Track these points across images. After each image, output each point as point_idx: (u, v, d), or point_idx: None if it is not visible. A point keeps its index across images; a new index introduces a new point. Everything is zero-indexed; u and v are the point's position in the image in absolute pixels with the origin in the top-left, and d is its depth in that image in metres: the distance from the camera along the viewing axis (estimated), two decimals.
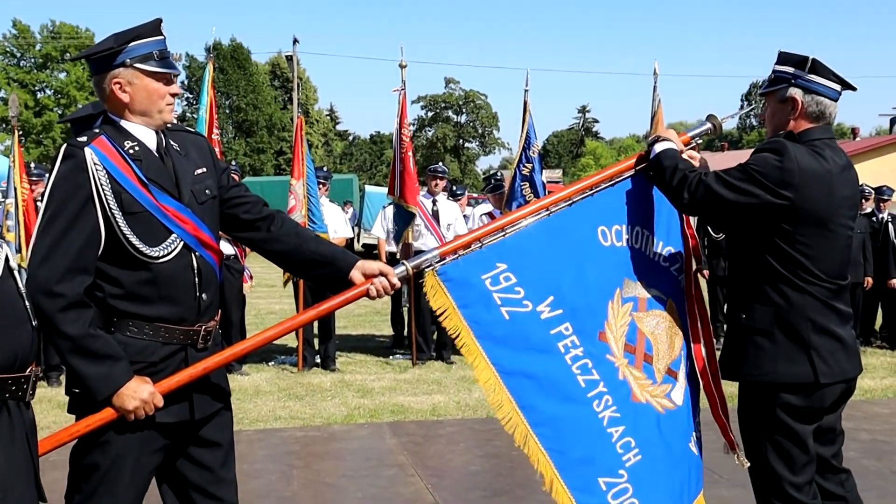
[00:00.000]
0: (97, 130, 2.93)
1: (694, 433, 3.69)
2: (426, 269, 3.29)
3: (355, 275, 3.21)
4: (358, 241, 24.95)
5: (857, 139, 42.79)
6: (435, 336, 10.14)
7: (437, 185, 10.17)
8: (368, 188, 27.85)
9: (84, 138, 2.87)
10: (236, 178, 9.60)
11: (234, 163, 9.67)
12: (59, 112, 50.01)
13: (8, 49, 51.84)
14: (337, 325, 9.88)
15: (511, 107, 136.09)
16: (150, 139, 3.00)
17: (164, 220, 2.91)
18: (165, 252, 2.91)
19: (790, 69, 3.61)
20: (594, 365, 3.39)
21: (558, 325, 3.36)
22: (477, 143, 79.46)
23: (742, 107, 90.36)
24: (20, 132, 10.42)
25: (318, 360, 9.56)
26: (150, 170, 2.93)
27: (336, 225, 9.68)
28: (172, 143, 3.07)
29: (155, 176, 2.94)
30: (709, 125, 3.83)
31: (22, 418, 2.51)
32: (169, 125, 3.08)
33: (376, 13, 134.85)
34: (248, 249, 9.40)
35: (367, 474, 5.93)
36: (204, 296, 3.03)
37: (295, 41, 46.08)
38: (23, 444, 2.50)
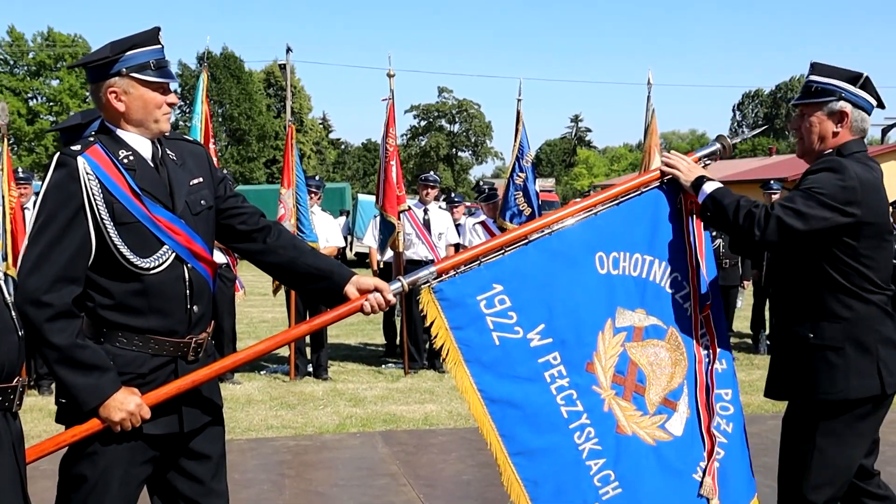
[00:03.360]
0: (92, 139, 2.91)
1: (703, 462, 3.60)
2: (422, 286, 3.28)
3: (350, 290, 3.20)
4: (350, 249, 24.92)
5: None
6: (427, 345, 10.12)
7: (428, 193, 10.17)
8: (361, 197, 27.82)
9: (78, 147, 2.85)
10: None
11: (225, 171, 9.65)
12: (52, 120, 49.91)
13: (1, 56, 51.77)
14: (329, 334, 9.86)
15: (504, 116, 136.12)
16: (145, 148, 2.97)
17: (156, 231, 2.89)
18: (157, 263, 2.88)
19: (840, 83, 3.58)
20: (579, 396, 3.38)
21: (547, 355, 3.35)
22: (470, 153, 79.58)
23: (740, 123, 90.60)
24: (11, 140, 10.37)
25: (311, 369, 9.54)
26: (143, 180, 2.91)
27: (327, 234, 9.67)
28: (169, 152, 3.05)
29: (148, 186, 2.91)
30: (718, 146, 3.81)
31: (9, 429, 2.49)
32: (166, 134, 3.06)
33: (370, 22, 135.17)
34: (239, 258, 9.39)
35: (359, 483, 5.91)
36: (195, 308, 3.00)
37: (288, 50, 46.12)
38: (10, 454, 2.48)
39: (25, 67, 52.10)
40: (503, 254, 3.34)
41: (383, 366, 10.21)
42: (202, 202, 3.07)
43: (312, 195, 9.49)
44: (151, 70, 2.93)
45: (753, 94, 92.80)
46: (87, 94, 53.32)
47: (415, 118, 77.32)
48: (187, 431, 3.01)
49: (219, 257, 8.96)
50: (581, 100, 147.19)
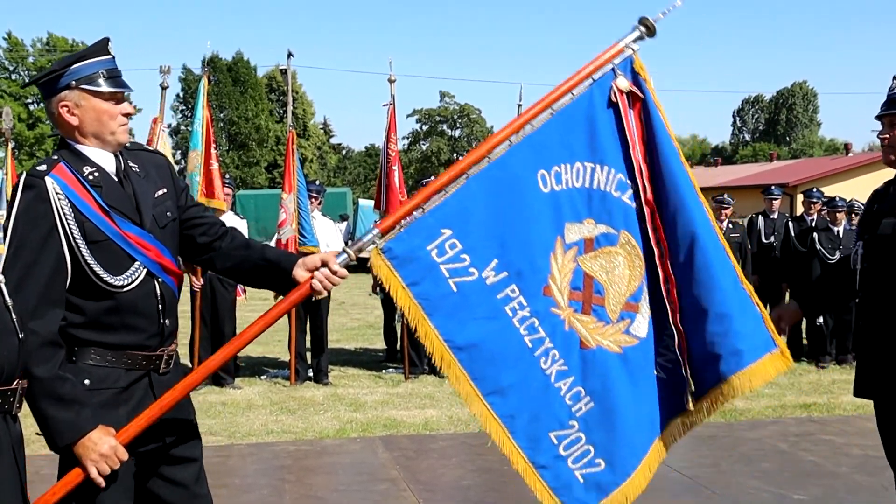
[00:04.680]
0: (56, 157, 2.85)
1: (660, 357, 3.57)
2: (369, 249, 3.18)
3: (298, 272, 3.10)
4: None
5: (850, 155, 43.05)
6: (428, 350, 10.11)
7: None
8: (362, 202, 27.79)
9: (44, 167, 2.79)
10: (230, 190, 9.61)
11: (227, 175, 9.66)
12: (52, 124, 49.92)
13: (0, 62, 51.82)
14: (330, 338, 9.87)
15: (505, 121, 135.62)
16: (108, 163, 2.92)
17: (128, 249, 2.85)
18: (129, 281, 2.84)
19: None
20: (540, 322, 3.35)
21: (504, 289, 3.31)
22: None
23: (740, 129, 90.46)
24: (13, 145, 10.41)
25: (311, 374, 9.54)
26: (110, 196, 2.86)
27: (328, 239, 9.67)
28: (132, 164, 3.00)
29: (116, 202, 2.87)
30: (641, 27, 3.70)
31: (8, 431, 2.49)
32: (127, 145, 3.01)
33: (371, 27, 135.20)
34: None
35: (360, 489, 5.91)
36: (167, 322, 2.98)
37: (290, 55, 46.22)
38: (9, 457, 2.48)
39: (25, 72, 52.15)
40: (445, 195, 3.25)
41: (384, 371, 10.21)
42: (168, 214, 3.03)
43: (313, 200, 9.50)
44: (102, 80, 2.87)
45: (754, 99, 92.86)
46: None
47: (417, 122, 77.39)
48: (167, 441, 2.99)
49: None
50: None
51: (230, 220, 9.22)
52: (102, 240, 2.80)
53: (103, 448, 2.73)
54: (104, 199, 2.84)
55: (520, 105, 10.06)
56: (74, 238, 2.75)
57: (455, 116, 77.63)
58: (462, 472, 6.34)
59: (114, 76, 2.91)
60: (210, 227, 3.18)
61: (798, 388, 9.45)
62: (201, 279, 8.91)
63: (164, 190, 3.06)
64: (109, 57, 2.93)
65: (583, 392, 3.41)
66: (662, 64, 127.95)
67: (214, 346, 9.07)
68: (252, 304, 12.42)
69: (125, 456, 2.79)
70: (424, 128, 77.94)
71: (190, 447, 3.12)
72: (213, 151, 8.79)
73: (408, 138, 75.22)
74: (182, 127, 48.65)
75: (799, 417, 8.12)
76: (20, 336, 2.51)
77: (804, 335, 11.29)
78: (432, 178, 11.09)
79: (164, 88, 8.44)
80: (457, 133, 78.18)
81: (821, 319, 10.53)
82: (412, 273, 3.21)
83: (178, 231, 3.09)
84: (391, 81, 9.73)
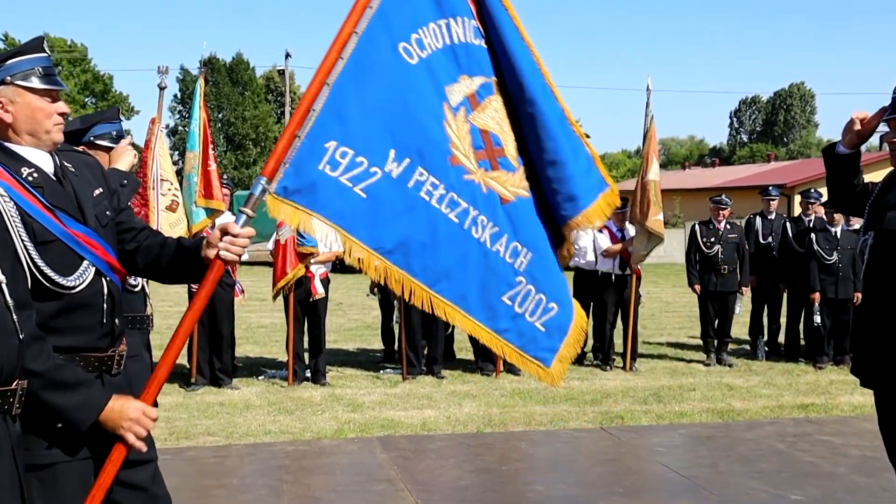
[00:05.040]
0: None
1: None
2: (264, 199, 3.05)
3: (206, 252, 2.99)
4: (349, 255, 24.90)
5: None
6: (426, 351, 10.13)
7: None
8: None
9: None
10: (227, 191, 9.59)
11: (224, 176, 9.64)
12: None
13: None
14: (327, 339, 9.86)
15: None
16: (46, 163, 2.87)
17: (76, 248, 2.80)
18: (80, 281, 2.79)
19: None
20: (458, 194, 3.30)
21: (412, 176, 3.22)
22: None
23: (738, 130, 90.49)
24: None
25: (309, 375, 9.53)
26: (53, 196, 2.80)
27: (327, 239, 9.66)
28: (66, 164, 2.96)
29: (59, 202, 2.81)
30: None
31: (8, 432, 2.49)
32: (59, 146, 2.96)
33: None
34: (238, 263, 9.37)
35: (357, 489, 5.91)
36: (116, 321, 2.94)
37: (287, 56, 46.23)
38: (9, 457, 2.48)
39: None
40: (315, 113, 3.11)
41: (381, 371, 10.20)
42: (107, 213, 2.99)
43: None
44: (38, 77, 2.82)
45: (751, 100, 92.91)
46: (86, 99, 53.43)
47: None
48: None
49: None
50: (580, 105, 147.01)
51: (228, 220, 9.21)
52: (52, 240, 2.74)
53: (131, 413, 2.76)
54: (47, 199, 2.77)
55: None
56: (23, 240, 2.66)
57: None
58: (460, 473, 6.34)
59: (49, 74, 2.85)
60: (139, 232, 3.15)
61: (796, 389, 9.46)
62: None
63: (101, 189, 3.03)
64: (45, 55, 2.88)
65: (519, 246, 3.43)
66: (661, 64, 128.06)
67: (213, 348, 9.07)
68: (250, 304, 12.45)
69: (154, 413, 2.82)
70: None
71: (147, 446, 3.05)
72: (210, 152, 8.77)
73: None
74: (180, 128, 48.55)
75: (797, 418, 8.13)
76: (21, 337, 2.50)
77: (802, 336, 11.30)
78: None
79: (161, 89, 8.42)
80: None
81: (818, 320, 10.54)
82: (316, 200, 3.09)
83: (115, 230, 3.05)
84: None
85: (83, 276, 2.81)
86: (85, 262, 2.83)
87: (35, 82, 2.81)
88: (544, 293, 3.47)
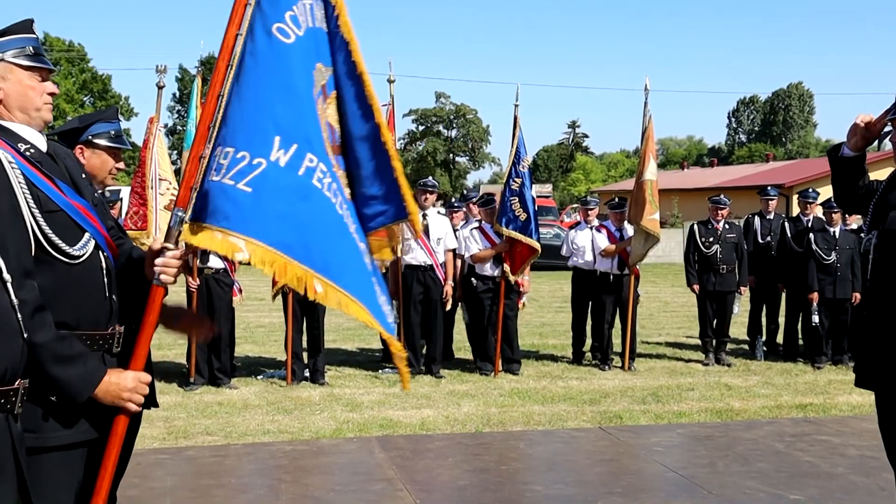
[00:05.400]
0: None
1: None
2: (181, 229, 2.97)
3: (147, 272, 2.98)
4: None
5: None
6: (424, 350, 10.13)
7: (426, 199, 10.18)
8: None
9: None
10: None
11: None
12: (49, 125, 49.81)
13: None
14: (326, 338, 9.85)
15: (501, 121, 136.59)
16: (39, 141, 2.92)
17: (78, 219, 2.84)
18: (83, 251, 2.82)
19: None
20: (338, 185, 3.14)
21: (302, 162, 3.02)
22: (467, 158, 79.62)
23: (736, 130, 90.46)
24: None
25: (307, 374, 9.52)
26: (50, 170, 2.85)
27: None
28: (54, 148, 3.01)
29: (56, 176, 2.86)
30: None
31: (10, 431, 2.50)
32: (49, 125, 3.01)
33: (367, 27, 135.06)
34: (237, 263, 9.38)
35: (356, 489, 5.90)
36: (114, 297, 2.95)
37: None
38: (10, 457, 2.49)
39: None
40: (213, 128, 3.01)
41: (380, 371, 10.20)
42: (95, 194, 3.05)
43: None
44: (28, 56, 2.88)
45: (749, 100, 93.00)
46: (84, 99, 53.43)
47: (413, 123, 77.41)
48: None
49: (216, 262, 8.97)
50: (578, 106, 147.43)
51: None
52: (56, 210, 2.77)
53: (128, 383, 2.81)
54: (47, 172, 2.82)
55: (516, 105, 10.06)
56: (31, 208, 2.70)
57: (451, 117, 77.67)
58: (458, 472, 6.34)
59: (39, 53, 2.91)
60: (119, 230, 3.18)
61: (794, 389, 9.46)
62: (197, 279, 8.89)
63: (85, 175, 3.08)
64: (34, 36, 2.94)
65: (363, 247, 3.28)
66: (659, 64, 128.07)
67: (211, 347, 9.06)
68: (249, 303, 12.45)
69: (148, 378, 2.87)
70: (420, 128, 77.96)
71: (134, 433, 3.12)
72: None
73: (404, 139, 75.22)
74: (179, 127, 48.57)
75: (795, 418, 8.13)
76: (25, 336, 2.51)
77: (800, 336, 11.31)
78: (430, 178, 11.14)
79: (160, 88, 8.43)
80: (453, 133, 78.23)
81: (816, 319, 10.55)
82: (215, 212, 2.95)
83: (103, 213, 3.07)
84: (390, 82, 9.71)
85: (85, 248, 2.84)
86: (86, 235, 2.86)
87: (26, 60, 2.87)
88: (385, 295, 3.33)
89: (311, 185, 3.02)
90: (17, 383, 2.52)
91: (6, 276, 2.48)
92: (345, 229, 3.13)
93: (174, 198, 7.82)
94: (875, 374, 3.93)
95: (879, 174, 4.14)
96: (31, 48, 2.89)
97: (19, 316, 2.50)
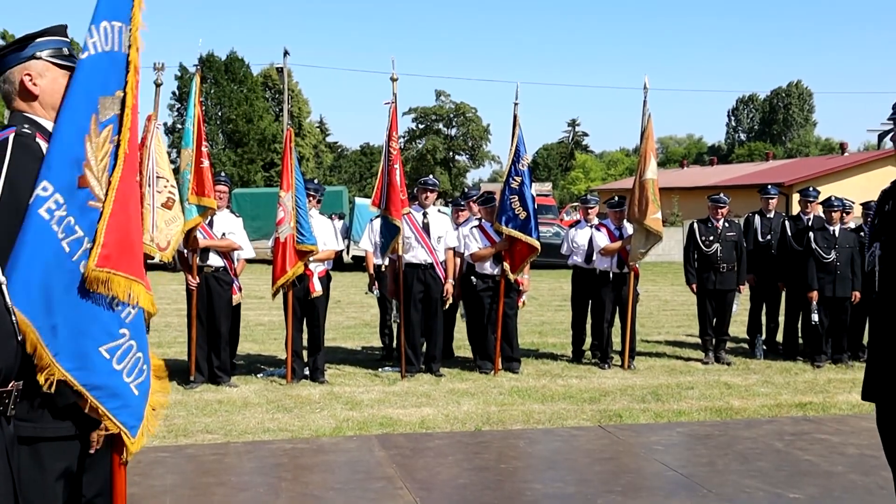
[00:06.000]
0: (26, 126, 2.91)
1: None
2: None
3: None
4: (347, 253, 24.94)
5: (846, 154, 43.10)
6: (424, 349, 10.13)
7: (427, 197, 10.17)
8: (358, 200, 27.78)
9: (28, 131, 2.89)
10: (225, 188, 9.55)
11: (223, 173, 9.62)
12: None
13: None
14: (326, 337, 9.85)
15: (501, 120, 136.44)
16: None
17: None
18: None
19: None
20: (77, 221, 2.86)
21: (46, 201, 2.81)
22: (467, 156, 79.66)
23: (735, 129, 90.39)
24: None
25: (307, 373, 9.53)
26: None
27: (325, 238, 9.67)
28: None
29: None
30: None
31: (2, 433, 2.50)
32: None
33: (368, 26, 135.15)
34: (238, 263, 9.38)
35: (356, 487, 5.90)
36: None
37: (286, 53, 46.12)
38: (3, 457, 2.49)
39: None
40: None
41: (380, 369, 10.20)
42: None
43: (311, 199, 9.47)
44: (64, 57, 3.03)
45: (748, 99, 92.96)
46: None
47: (413, 121, 77.44)
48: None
49: (216, 260, 8.97)
50: (578, 104, 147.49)
51: (226, 218, 9.22)
52: None
53: None
54: None
55: (516, 104, 10.05)
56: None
57: (451, 115, 77.73)
58: (458, 471, 6.34)
59: (72, 55, 3.05)
60: None
61: (794, 388, 9.46)
62: (197, 278, 8.89)
63: None
64: (68, 39, 3.10)
65: None
66: (658, 63, 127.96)
67: (211, 346, 9.06)
68: (248, 302, 12.42)
69: None
70: (420, 126, 77.98)
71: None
72: (203, 149, 8.76)
73: (404, 137, 75.23)
74: (178, 126, 48.54)
75: (795, 416, 8.14)
76: (19, 339, 2.51)
77: (800, 334, 11.31)
78: (430, 176, 11.13)
79: (157, 85, 8.42)
80: (453, 132, 78.29)
81: (816, 318, 10.55)
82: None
83: None
84: (393, 80, 9.70)
85: None
86: None
87: (63, 60, 3.02)
88: (143, 353, 3.04)
89: (38, 214, 2.80)
90: (10, 385, 2.52)
91: (0, 278, 2.49)
92: (65, 266, 2.85)
93: (172, 195, 7.89)
94: (879, 386, 3.89)
95: (879, 174, 4.14)
96: (66, 49, 3.05)
97: (13, 318, 2.50)
